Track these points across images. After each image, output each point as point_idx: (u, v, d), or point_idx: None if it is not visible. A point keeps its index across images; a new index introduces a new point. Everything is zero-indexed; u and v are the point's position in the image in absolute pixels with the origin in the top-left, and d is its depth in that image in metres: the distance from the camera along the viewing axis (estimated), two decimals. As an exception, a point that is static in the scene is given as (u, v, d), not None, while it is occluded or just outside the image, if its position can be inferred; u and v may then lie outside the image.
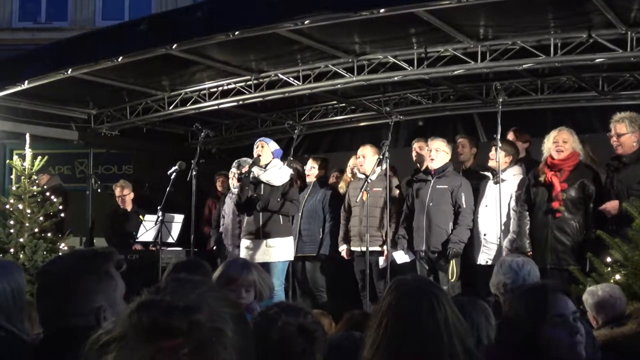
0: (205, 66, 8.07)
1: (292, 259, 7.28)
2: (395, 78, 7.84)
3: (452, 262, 6.83)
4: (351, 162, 8.09)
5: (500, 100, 6.56)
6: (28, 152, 8.15)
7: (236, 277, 3.70)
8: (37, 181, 8.28)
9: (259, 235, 7.07)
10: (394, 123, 7.18)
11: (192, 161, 7.43)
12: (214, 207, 9.19)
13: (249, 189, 7.15)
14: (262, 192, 7.15)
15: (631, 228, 5.10)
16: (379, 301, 2.40)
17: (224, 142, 11.23)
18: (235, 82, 8.61)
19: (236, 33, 6.59)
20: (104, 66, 7.46)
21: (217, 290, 1.25)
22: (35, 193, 8.04)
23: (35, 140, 8.72)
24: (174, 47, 6.97)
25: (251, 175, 7.14)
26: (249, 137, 10.52)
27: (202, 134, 7.74)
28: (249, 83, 8.53)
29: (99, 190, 8.89)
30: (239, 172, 7.49)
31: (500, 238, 6.61)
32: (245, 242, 7.20)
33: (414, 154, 7.76)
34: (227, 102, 8.86)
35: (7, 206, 7.96)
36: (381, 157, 6.97)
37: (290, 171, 7.32)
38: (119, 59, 7.24)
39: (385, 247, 7.18)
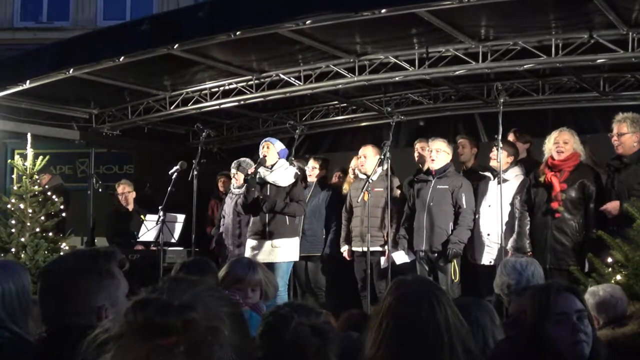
0: (207, 66, 8.07)
1: (297, 259, 7.29)
2: (397, 78, 7.84)
3: (453, 263, 6.84)
4: (353, 162, 8.10)
5: (502, 100, 6.56)
6: (29, 152, 8.16)
7: (243, 276, 3.73)
8: (38, 181, 8.30)
9: (265, 235, 7.08)
10: (395, 123, 7.17)
11: (193, 161, 7.44)
12: (216, 207, 9.20)
13: (255, 190, 7.15)
14: (268, 193, 7.16)
15: (632, 228, 5.10)
16: (379, 302, 2.40)
17: (225, 142, 11.23)
18: (236, 82, 8.62)
19: (237, 33, 6.59)
20: (106, 66, 7.47)
21: (215, 290, 1.25)
22: (36, 193, 8.06)
23: (36, 139, 8.73)
24: (175, 47, 6.97)
25: (257, 176, 7.14)
26: (250, 137, 10.55)
27: (204, 133, 7.74)
28: (250, 83, 8.53)
29: (100, 190, 8.88)
30: (245, 173, 7.50)
31: (501, 238, 6.61)
32: (250, 242, 7.22)
33: (416, 154, 7.76)
34: (229, 102, 8.87)
35: (9, 206, 7.98)
36: (382, 157, 6.97)
37: (296, 171, 7.33)
38: (121, 59, 7.25)
39: (386, 247, 7.18)
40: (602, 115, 8.41)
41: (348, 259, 7.67)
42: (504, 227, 6.60)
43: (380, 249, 7.30)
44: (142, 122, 9.79)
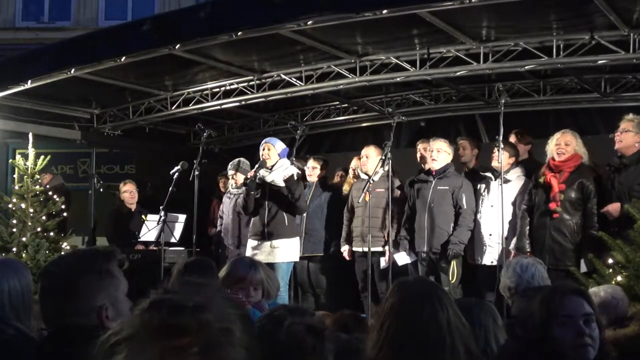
0: (208, 66, 8.08)
1: (297, 260, 7.29)
2: (398, 79, 7.85)
3: (454, 263, 6.84)
4: (353, 163, 8.10)
5: (503, 101, 6.56)
6: (31, 152, 8.17)
7: (244, 275, 3.74)
8: (39, 180, 8.31)
9: (264, 236, 7.08)
10: (396, 124, 7.17)
11: (194, 161, 7.44)
12: (218, 207, 9.20)
13: (255, 193, 7.16)
14: (267, 193, 7.15)
15: (633, 230, 5.10)
16: (381, 302, 2.40)
17: (226, 142, 11.23)
18: (237, 83, 8.62)
19: (239, 33, 6.59)
20: (107, 66, 7.47)
21: (223, 292, 1.26)
22: (37, 192, 8.07)
23: (38, 139, 8.74)
24: (177, 47, 6.98)
25: (257, 178, 7.15)
26: (252, 137, 10.54)
27: (205, 134, 7.74)
28: (251, 83, 8.53)
29: (101, 190, 8.89)
30: (245, 174, 7.50)
31: (502, 238, 6.61)
32: (251, 243, 7.23)
33: (418, 154, 7.75)
34: (230, 103, 8.87)
35: (10, 205, 7.99)
36: (383, 157, 6.97)
37: (297, 170, 7.33)
38: (122, 59, 7.25)
39: (387, 247, 7.18)
40: (603, 116, 8.43)
41: (348, 259, 7.67)
42: (506, 227, 6.61)
43: (381, 249, 7.30)
44: (144, 122, 9.80)
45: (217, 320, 1.14)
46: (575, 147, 6.43)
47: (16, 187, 8.28)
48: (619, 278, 4.95)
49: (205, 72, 8.40)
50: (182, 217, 8.40)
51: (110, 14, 14.34)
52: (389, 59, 7.58)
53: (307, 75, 8.16)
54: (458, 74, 7.48)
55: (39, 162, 8.14)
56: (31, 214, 7.94)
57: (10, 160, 9.18)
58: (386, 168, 7.11)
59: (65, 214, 8.44)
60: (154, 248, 8.33)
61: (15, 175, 8.89)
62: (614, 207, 5.97)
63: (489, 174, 7.00)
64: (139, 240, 8.35)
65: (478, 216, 6.94)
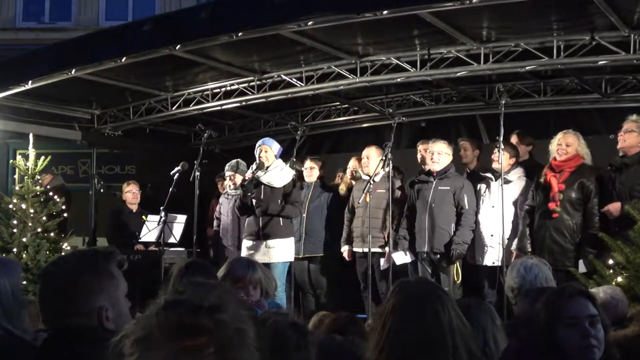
0: (209, 67, 8.08)
1: (292, 259, 7.29)
2: (398, 79, 7.85)
3: (455, 264, 6.84)
4: (351, 164, 8.09)
5: (503, 102, 6.56)
6: (31, 152, 8.18)
7: (243, 275, 3.78)
8: (40, 181, 8.31)
9: (260, 236, 7.09)
10: (396, 124, 7.18)
11: (195, 162, 7.44)
12: (217, 208, 9.21)
13: (251, 195, 7.16)
14: (262, 194, 7.16)
15: (633, 230, 5.10)
16: (382, 303, 2.40)
17: (226, 143, 11.23)
18: (238, 83, 8.62)
19: (239, 34, 6.59)
20: (108, 66, 7.47)
21: (232, 293, 1.27)
22: (38, 193, 8.07)
23: (38, 140, 8.75)
24: (177, 47, 6.97)
25: (254, 180, 7.15)
26: (252, 138, 10.52)
27: (205, 134, 7.74)
28: (252, 84, 8.53)
29: (101, 191, 8.90)
30: (243, 176, 7.50)
31: (503, 239, 6.61)
32: (246, 243, 7.25)
33: (419, 155, 7.74)
34: (230, 103, 8.87)
35: (10, 206, 8.00)
36: (384, 158, 6.97)
37: (293, 172, 7.32)
38: (123, 60, 7.25)
39: (387, 248, 7.18)
40: (604, 117, 8.43)
41: (348, 259, 7.67)
42: (507, 228, 6.61)
43: (380, 250, 7.29)
44: (144, 123, 9.80)
45: (233, 321, 1.14)
46: (577, 147, 6.44)
47: (17, 188, 8.29)
48: (619, 279, 4.95)
49: (205, 73, 8.40)
50: (182, 218, 8.40)
51: (110, 15, 14.35)
52: (389, 60, 7.58)
53: (308, 76, 8.16)
54: (458, 74, 7.48)
55: (40, 162, 8.15)
56: (32, 215, 7.94)
57: (11, 161, 9.20)
58: (387, 169, 7.11)
59: (65, 215, 8.44)
60: (154, 248, 8.33)
61: (16, 176, 8.90)
62: (614, 207, 5.98)
63: (489, 175, 7.00)
64: (139, 240, 8.35)
65: (479, 217, 6.94)
